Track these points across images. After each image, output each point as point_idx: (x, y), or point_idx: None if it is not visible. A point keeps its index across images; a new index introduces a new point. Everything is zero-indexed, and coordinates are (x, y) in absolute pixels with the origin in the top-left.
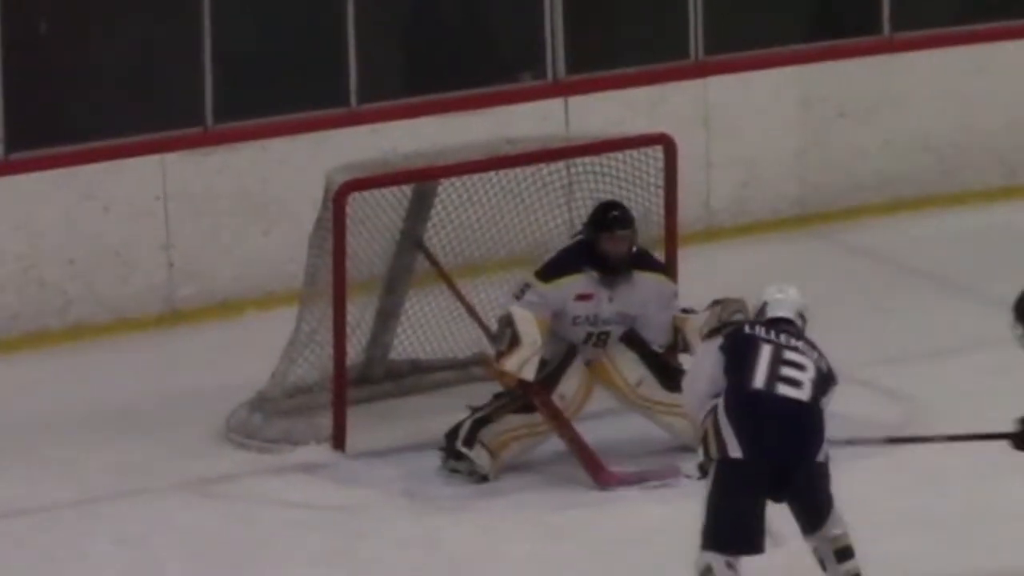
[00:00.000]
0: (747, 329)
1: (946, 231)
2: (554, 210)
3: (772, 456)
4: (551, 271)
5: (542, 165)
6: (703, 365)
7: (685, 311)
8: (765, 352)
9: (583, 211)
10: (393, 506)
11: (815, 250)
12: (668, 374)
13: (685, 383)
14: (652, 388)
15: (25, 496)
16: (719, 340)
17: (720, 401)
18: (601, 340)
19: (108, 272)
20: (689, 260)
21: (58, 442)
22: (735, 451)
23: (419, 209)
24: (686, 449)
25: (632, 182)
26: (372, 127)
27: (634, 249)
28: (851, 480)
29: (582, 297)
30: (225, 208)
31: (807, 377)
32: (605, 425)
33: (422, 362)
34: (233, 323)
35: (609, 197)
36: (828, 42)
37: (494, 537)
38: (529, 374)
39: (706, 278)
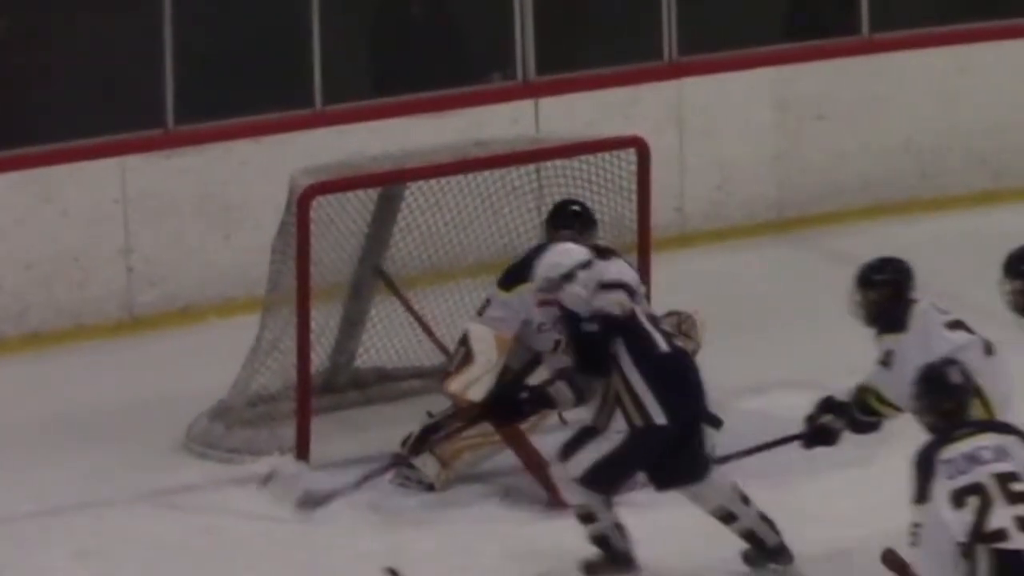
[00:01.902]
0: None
1: (928, 236)
2: (524, 215)
3: (690, 414)
4: (510, 278)
5: (512, 168)
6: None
7: None
8: (639, 313)
9: None
10: (357, 518)
11: (793, 256)
12: None
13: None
14: None
15: None
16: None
17: (633, 371)
18: None
19: (66, 277)
20: (662, 267)
21: (15, 452)
22: (660, 417)
23: (385, 213)
24: None
25: (604, 186)
26: (337, 129)
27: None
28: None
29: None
30: (186, 212)
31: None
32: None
33: (388, 370)
34: (194, 330)
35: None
36: (806, 42)
37: (459, 550)
38: (477, 395)
39: (680, 286)
